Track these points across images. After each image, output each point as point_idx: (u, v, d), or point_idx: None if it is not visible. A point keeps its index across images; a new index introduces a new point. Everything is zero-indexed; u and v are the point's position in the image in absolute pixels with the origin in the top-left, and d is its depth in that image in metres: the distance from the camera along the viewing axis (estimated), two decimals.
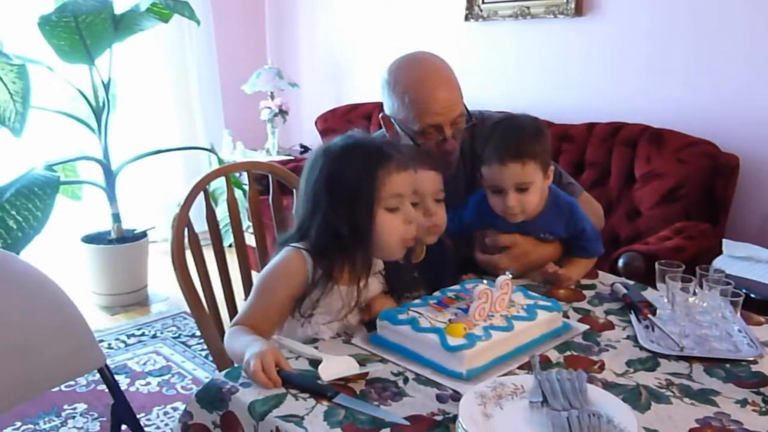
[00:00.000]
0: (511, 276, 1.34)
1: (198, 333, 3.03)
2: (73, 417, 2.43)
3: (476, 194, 1.68)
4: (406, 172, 1.35)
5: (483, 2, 3.41)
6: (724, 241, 2.32)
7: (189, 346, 3.01)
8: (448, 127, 1.67)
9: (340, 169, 1.33)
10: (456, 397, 1.10)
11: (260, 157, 4.26)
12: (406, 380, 1.16)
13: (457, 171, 1.80)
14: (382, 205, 1.32)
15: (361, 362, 1.21)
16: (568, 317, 1.42)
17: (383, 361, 1.23)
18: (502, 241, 1.63)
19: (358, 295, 1.36)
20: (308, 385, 1.13)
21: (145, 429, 2.36)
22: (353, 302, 1.36)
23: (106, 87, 3.37)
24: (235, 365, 1.28)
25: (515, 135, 1.55)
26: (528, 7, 3.22)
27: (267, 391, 1.11)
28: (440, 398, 1.11)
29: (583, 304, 1.51)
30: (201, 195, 1.76)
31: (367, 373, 1.17)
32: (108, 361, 1.59)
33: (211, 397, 1.14)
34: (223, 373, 1.19)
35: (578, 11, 3.05)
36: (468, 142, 1.79)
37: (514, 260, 1.62)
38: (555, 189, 1.66)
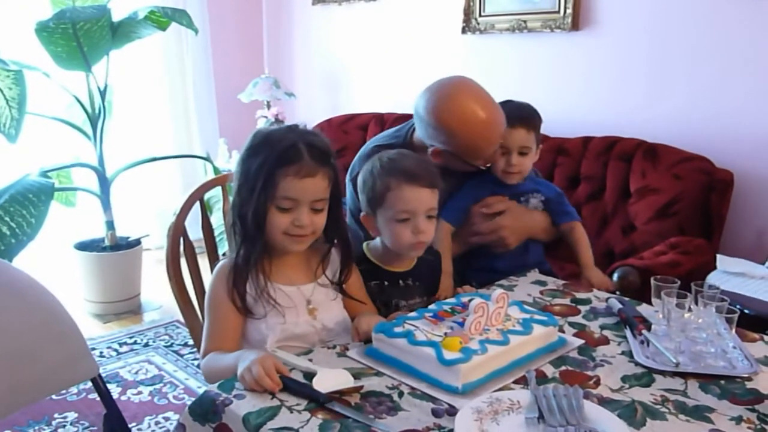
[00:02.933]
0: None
1: (191, 342, 3.01)
2: (64, 426, 2.41)
3: (471, 178, 1.90)
4: (307, 179, 1.34)
5: (480, 15, 3.42)
6: (718, 256, 2.32)
7: (181, 356, 2.99)
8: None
9: (251, 155, 1.37)
10: (452, 411, 1.09)
11: None
12: (401, 394, 1.16)
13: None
14: (273, 203, 1.35)
15: (356, 375, 1.20)
16: (563, 332, 1.42)
17: (378, 374, 1.22)
18: (497, 207, 1.86)
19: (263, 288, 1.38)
20: (302, 389, 1.13)
21: None
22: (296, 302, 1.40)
23: (102, 94, 3.36)
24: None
25: (522, 109, 1.87)
26: (525, 21, 3.24)
27: (261, 403, 1.11)
28: (436, 412, 1.10)
29: (579, 319, 1.51)
30: (196, 203, 1.76)
31: (362, 386, 1.16)
32: (100, 370, 1.57)
33: (205, 409, 1.13)
34: (216, 384, 1.18)
35: (575, 26, 3.07)
36: None
37: (512, 221, 1.86)
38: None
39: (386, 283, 1.56)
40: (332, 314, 1.44)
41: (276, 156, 1.33)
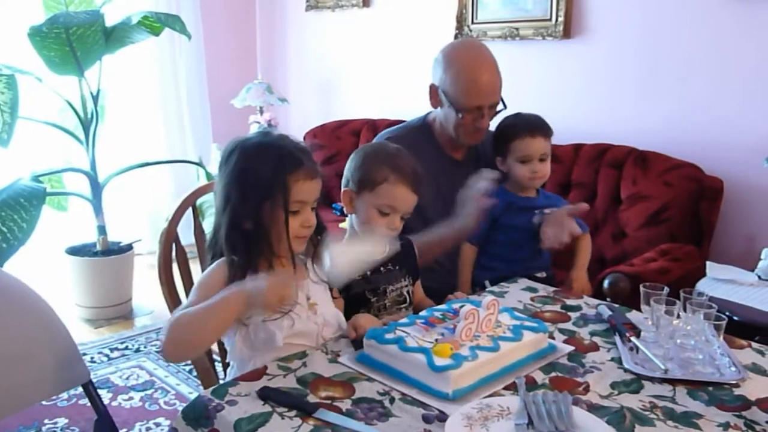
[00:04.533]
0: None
1: None
2: None
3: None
4: (313, 180, 1.38)
5: (473, 23, 3.44)
6: (707, 263, 2.34)
7: None
8: (487, 108, 1.97)
9: (252, 165, 1.36)
10: (442, 417, 1.10)
11: None
12: (392, 400, 1.16)
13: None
14: (285, 207, 1.35)
15: (348, 381, 1.21)
16: (553, 338, 1.43)
17: (370, 380, 1.23)
18: (585, 207, 1.98)
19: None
20: (290, 400, 1.13)
21: None
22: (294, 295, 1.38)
23: (95, 99, 3.36)
24: (221, 382, 1.27)
25: (538, 119, 1.99)
26: (517, 29, 3.26)
27: (253, 409, 1.11)
28: (426, 418, 1.11)
29: (568, 326, 1.52)
30: (188, 208, 1.77)
31: (353, 391, 1.17)
32: (91, 375, 1.57)
33: (197, 414, 1.14)
34: (209, 390, 1.18)
35: (567, 34, 3.09)
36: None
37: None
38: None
39: (368, 272, 1.60)
40: (329, 308, 1.46)
41: (285, 162, 1.35)
